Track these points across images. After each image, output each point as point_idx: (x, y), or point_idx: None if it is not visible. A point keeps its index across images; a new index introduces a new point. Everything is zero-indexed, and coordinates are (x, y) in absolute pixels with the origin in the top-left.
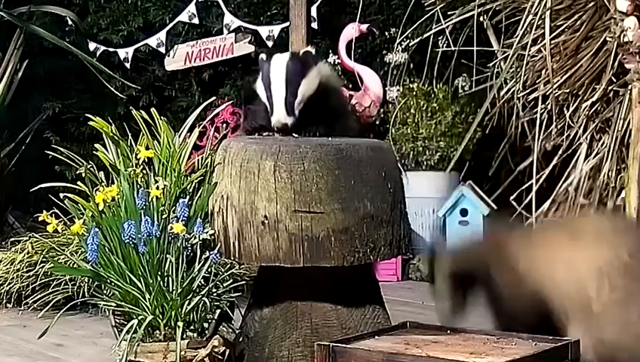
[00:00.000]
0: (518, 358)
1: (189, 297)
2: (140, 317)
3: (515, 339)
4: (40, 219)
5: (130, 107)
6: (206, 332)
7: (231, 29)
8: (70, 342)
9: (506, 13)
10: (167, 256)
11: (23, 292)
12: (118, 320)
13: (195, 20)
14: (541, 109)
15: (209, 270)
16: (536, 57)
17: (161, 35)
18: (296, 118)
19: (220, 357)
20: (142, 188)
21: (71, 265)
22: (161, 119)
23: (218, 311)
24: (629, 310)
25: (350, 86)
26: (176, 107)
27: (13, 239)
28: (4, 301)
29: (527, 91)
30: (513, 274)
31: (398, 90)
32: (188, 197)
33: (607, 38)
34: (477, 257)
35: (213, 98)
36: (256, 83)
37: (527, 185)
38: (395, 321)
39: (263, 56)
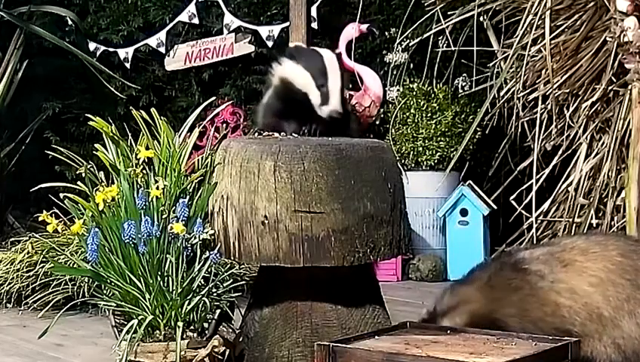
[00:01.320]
0: (518, 358)
1: (189, 297)
2: (140, 317)
3: (515, 339)
4: (40, 219)
5: (130, 107)
6: (206, 332)
7: (231, 29)
8: (70, 342)
9: (506, 13)
10: (167, 256)
11: (23, 292)
12: (118, 320)
13: (195, 20)
14: (541, 109)
15: (209, 270)
16: (536, 57)
17: (161, 35)
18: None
19: (219, 357)
20: (142, 188)
21: (71, 265)
22: (161, 119)
23: (218, 311)
24: (639, 304)
25: (350, 86)
26: (176, 107)
27: (13, 239)
28: (4, 301)
29: (527, 91)
30: (527, 313)
31: (398, 90)
32: (188, 197)
33: (607, 38)
34: (483, 312)
35: (213, 98)
36: (294, 68)
37: (527, 185)
38: (395, 321)
39: (299, 44)
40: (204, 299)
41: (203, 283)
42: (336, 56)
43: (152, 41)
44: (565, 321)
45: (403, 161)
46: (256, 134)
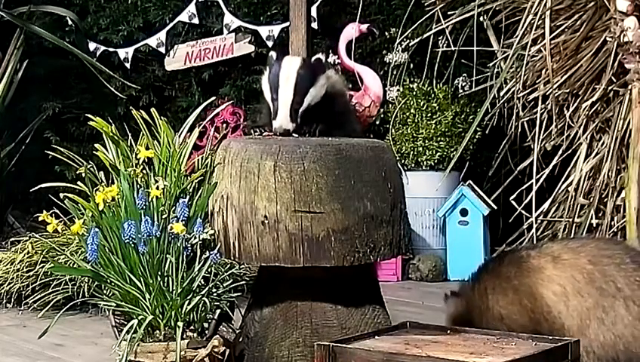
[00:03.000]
0: (518, 358)
1: (189, 297)
2: (140, 317)
3: (515, 339)
4: (40, 219)
5: (130, 107)
6: (206, 332)
7: (231, 29)
8: (70, 342)
9: (506, 13)
10: (167, 256)
11: (23, 292)
12: (118, 320)
13: (195, 20)
14: (541, 109)
15: (209, 270)
16: (536, 57)
17: (161, 35)
18: (298, 124)
19: (219, 357)
20: (142, 188)
21: (71, 265)
22: (161, 119)
23: (218, 311)
24: (606, 311)
25: (350, 86)
26: (176, 107)
27: (13, 239)
28: (4, 301)
29: (527, 91)
30: (489, 311)
31: (398, 90)
32: (188, 197)
33: (607, 38)
34: (467, 307)
35: (213, 98)
36: (262, 80)
37: (527, 185)
38: (395, 321)
39: (273, 54)
40: (204, 299)
41: (203, 283)
42: (304, 67)
43: (152, 41)
44: (533, 322)
45: (403, 161)
46: (256, 134)
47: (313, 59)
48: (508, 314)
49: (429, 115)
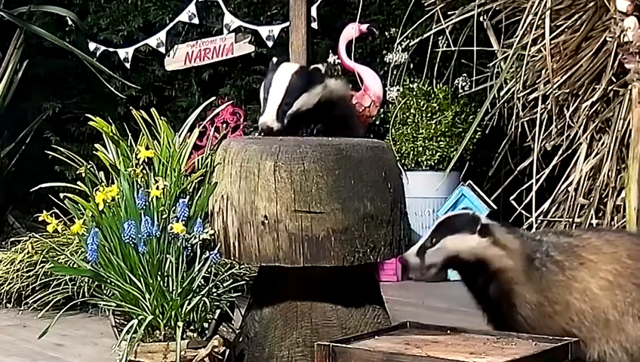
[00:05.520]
0: (518, 358)
1: (189, 297)
2: (140, 317)
3: (515, 339)
4: (40, 219)
5: (130, 107)
6: (206, 332)
7: (231, 29)
8: (70, 342)
9: (506, 13)
10: (167, 256)
11: (23, 292)
12: (118, 320)
13: (195, 20)
14: (541, 109)
15: (209, 270)
16: (536, 57)
17: (161, 35)
18: (284, 125)
19: (219, 357)
20: (142, 188)
21: (71, 265)
22: (161, 119)
23: (218, 311)
24: None
25: (350, 86)
26: (176, 107)
27: (13, 239)
28: (4, 301)
29: (527, 91)
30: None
31: (398, 90)
32: (188, 197)
33: (607, 38)
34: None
35: (213, 98)
36: (262, 83)
37: (527, 185)
38: (395, 321)
39: (274, 59)
40: (204, 299)
41: (203, 283)
42: (299, 73)
43: (152, 41)
44: (572, 324)
45: (403, 161)
46: (256, 134)
47: (311, 67)
48: (561, 310)
49: (429, 115)
